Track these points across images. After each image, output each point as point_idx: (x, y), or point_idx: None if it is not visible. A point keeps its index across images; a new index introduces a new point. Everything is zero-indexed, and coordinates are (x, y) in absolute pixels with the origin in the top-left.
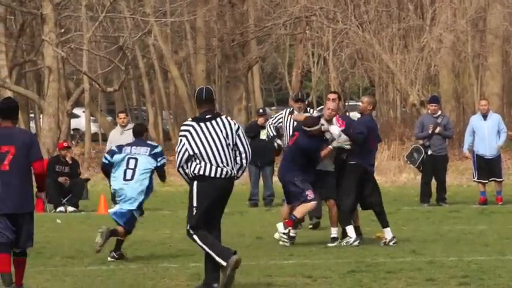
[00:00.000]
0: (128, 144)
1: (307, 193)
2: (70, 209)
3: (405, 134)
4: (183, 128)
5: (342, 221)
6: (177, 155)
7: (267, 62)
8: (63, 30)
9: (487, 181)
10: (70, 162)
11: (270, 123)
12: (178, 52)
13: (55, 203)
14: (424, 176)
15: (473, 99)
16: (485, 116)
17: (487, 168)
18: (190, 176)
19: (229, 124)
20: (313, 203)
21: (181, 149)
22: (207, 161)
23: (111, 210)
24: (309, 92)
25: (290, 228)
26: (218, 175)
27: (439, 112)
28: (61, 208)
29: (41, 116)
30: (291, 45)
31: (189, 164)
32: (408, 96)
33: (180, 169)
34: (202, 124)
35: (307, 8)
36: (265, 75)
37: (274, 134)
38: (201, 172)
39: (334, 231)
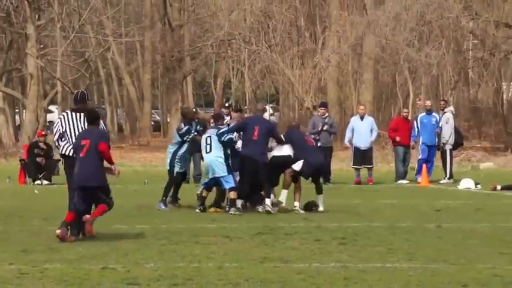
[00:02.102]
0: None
1: None
2: (45, 182)
3: None
4: (62, 113)
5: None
6: (54, 131)
7: (198, 73)
8: (42, 45)
9: (361, 167)
10: (45, 147)
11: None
12: (130, 64)
13: (33, 177)
14: None
15: (352, 105)
16: (362, 117)
17: (361, 157)
18: (61, 152)
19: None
20: None
21: (57, 127)
22: (68, 139)
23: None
24: (229, 97)
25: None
26: (72, 154)
27: (327, 114)
28: (38, 181)
29: (24, 111)
30: (216, 61)
31: (61, 143)
32: (304, 102)
33: (56, 142)
34: (73, 113)
35: (229, 33)
36: (196, 84)
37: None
38: (63, 151)
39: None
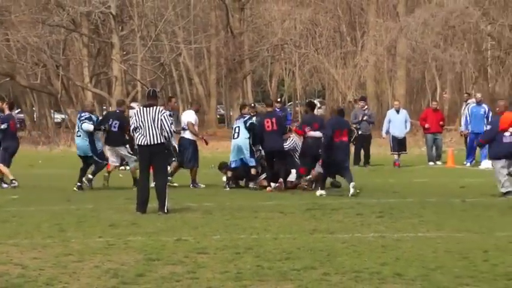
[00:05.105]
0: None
1: None
2: (128, 167)
3: None
4: (135, 110)
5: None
6: (130, 124)
7: (255, 73)
8: (124, 52)
9: (397, 153)
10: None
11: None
12: (198, 67)
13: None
14: (356, 148)
15: (388, 99)
16: (397, 111)
17: (398, 144)
18: (135, 142)
19: (157, 111)
20: None
21: (132, 121)
22: (141, 131)
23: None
24: (282, 94)
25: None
26: (144, 143)
27: (366, 107)
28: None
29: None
30: (271, 63)
31: (135, 134)
32: (346, 96)
33: (131, 133)
34: (144, 109)
35: (282, 39)
36: (255, 82)
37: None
38: (137, 142)
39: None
